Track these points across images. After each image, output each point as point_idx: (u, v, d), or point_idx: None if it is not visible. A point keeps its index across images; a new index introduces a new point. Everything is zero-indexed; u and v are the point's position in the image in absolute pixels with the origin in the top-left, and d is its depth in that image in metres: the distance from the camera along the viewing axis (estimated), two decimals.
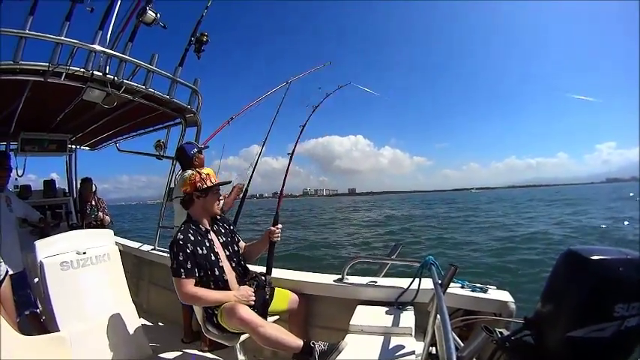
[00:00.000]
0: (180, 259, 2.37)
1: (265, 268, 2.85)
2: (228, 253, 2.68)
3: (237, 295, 2.44)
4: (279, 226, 2.81)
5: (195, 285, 2.43)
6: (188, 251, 2.40)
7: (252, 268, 2.88)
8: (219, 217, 2.80)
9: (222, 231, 2.76)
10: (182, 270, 2.36)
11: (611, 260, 1.13)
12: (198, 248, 2.47)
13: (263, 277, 2.71)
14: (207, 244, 2.55)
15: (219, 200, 2.73)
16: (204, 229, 2.61)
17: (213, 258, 2.53)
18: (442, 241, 16.07)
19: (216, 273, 2.51)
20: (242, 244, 2.87)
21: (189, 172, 2.70)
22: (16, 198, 3.81)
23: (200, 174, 2.64)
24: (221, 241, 2.69)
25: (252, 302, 2.46)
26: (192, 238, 2.48)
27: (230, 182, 3.30)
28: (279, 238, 2.81)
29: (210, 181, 2.64)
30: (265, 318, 2.53)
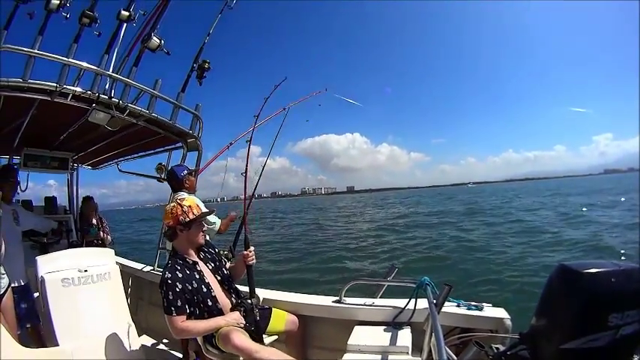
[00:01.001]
0: (170, 298, 2.36)
1: (248, 291, 2.78)
2: (219, 277, 2.67)
3: (227, 319, 2.47)
4: (252, 248, 2.78)
5: (189, 318, 2.43)
6: (177, 289, 2.38)
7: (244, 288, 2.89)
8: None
9: (209, 257, 2.74)
10: (172, 308, 2.35)
11: (603, 272, 1.15)
12: (187, 284, 2.45)
13: (249, 301, 2.66)
14: (197, 277, 2.53)
15: (202, 231, 2.69)
16: (191, 262, 2.59)
17: (204, 290, 2.52)
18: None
19: (209, 304, 2.50)
20: (227, 265, 2.88)
21: (171, 204, 2.65)
22: (24, 211, 3.83)
23: (182, 206, 2.58)
24: (210, 267, 2.68)
25: (243, 325, 2.48)
26: (181, 275, 2.45)
27: (214, 211, 3.21)
28: (254, 261, 2.78)
29: (193, 213, 2.58)
30: (261, 339, 2.55)
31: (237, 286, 2.81)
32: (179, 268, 2.49)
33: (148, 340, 3.84)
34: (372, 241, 17.66)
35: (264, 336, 2.61)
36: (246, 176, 3.20)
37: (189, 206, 2.59)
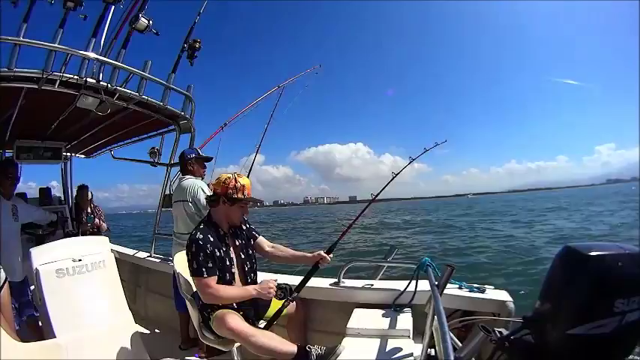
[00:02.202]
0: (201, 259, 2.32)
1: (298, 284, 2.72)
2: (242, 256, 2.62)
3: (258, 289, 2.41)
4: (331, 255, 2.73)
5: None
6: (208, 251, 2.35)
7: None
8: None
9: (239, 232, 2.69)
10: (204, 269, 2.31)
11: (610, 255, 1.11)
12: (216, 250, 2.41)
13: (293, 291, 2.58)
14: (224, 248, 2.50)
15: (243, 214, 2.66)
16: (222, 232, 2.55)
17: (227, 263, 2.48)
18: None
19: (227, 278, 2.46)
20: (262, 239, 2.81)
21: (229, 174, 2.59)
22: (25, 204, 3.81)
23: (237, 181, 2.52)
24: (237, 243, 2.63)
25: (272, 297, 2.44)
26: (212, 239, 2.41)
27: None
28: (324, 267, 2.74)
29: (243, 193, 2.52)
30: (271, 324, 2.56)
31: (258, 271, 2.77)
32: (210, 233, 2.45)
33: (146, 328, 3.83)
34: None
35: (262, 321, 2.60)
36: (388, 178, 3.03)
37: (243, 185, 2.54)
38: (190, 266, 2.36)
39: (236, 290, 2.43)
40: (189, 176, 3.52)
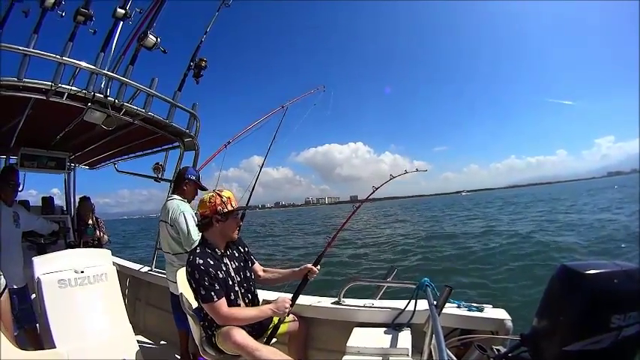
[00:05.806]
0: (207, 283, 2.29)
1: (292, 297, 2.69)
2: (239, 279, 2.58)
3: (273, 308, 2.43)
4: (319, 267, 2.75)
5: None
6: (212, 274, 2.33)
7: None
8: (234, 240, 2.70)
9: (236, 255, 2.65)
10: (212, 293, 2.29)
11: (606, 273, 1.14)
12: (218, 272, 2.39)
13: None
14: (224, 268, 2.48)
15: (238, 225, 2.65)
16: (219, 253, 2.53)
17: (230, 282, 2.47)
18: None
19: (232, 298, 2.45)
20: (257, 266, 2.81)
21: (210, 193, 2.58)
22: (26, 212, 3.83)
23: (221, 197, 2.52)
24: (233, 266, 2.58)
25: (287, 310, 2.47)
26: (212, 262, 2.39)
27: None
28: (313, 279, 2.75)
29: (231, 204, 2.53)
30: (270, 339, 2.55)
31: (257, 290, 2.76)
32: (209, 256, 2.43)
33: (145, 341, 3.83)
34: None
35: (263, 337, 2.60)
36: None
37: (229, 198, 2.55)
38: (197, 294, 2.33)
39: (252, 311, 2.43)
40: (175, 196, 3.43)
